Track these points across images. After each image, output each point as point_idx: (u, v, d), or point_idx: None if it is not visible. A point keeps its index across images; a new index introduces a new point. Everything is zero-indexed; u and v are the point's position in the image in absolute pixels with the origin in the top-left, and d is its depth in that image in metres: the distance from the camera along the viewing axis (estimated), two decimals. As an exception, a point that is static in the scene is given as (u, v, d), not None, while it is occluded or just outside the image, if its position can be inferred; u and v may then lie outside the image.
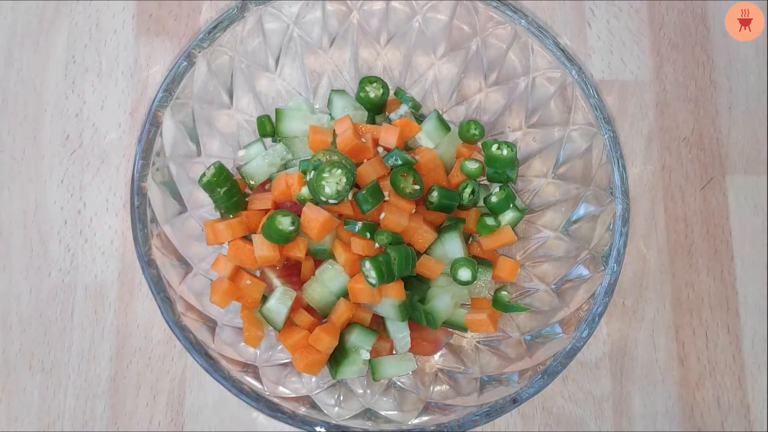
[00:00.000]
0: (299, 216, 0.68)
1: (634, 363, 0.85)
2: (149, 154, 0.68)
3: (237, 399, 0.65)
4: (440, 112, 0.80)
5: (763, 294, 0.88)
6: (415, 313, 0.72)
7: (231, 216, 0.73)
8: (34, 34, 0.90)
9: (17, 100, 0.89)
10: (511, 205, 0.75)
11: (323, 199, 0.67)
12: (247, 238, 0.72)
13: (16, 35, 0.90)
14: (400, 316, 0.70)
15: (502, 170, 0.75)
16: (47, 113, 0.88)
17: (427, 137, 0.75)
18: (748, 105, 0.93)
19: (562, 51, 0.72)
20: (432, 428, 0.65)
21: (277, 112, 0.77)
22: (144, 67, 0.90)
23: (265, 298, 0.72)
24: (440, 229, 0.74)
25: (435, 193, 0.72)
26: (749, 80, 0.94)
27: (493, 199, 0.75)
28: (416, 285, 0.73)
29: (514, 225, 0.77)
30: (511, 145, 0.73)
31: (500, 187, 0.75)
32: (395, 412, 0.71)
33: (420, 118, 0.80)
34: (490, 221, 0.74)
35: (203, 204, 0.76)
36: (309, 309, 0.72)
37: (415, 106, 0.79)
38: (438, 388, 0.75)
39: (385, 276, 0.67)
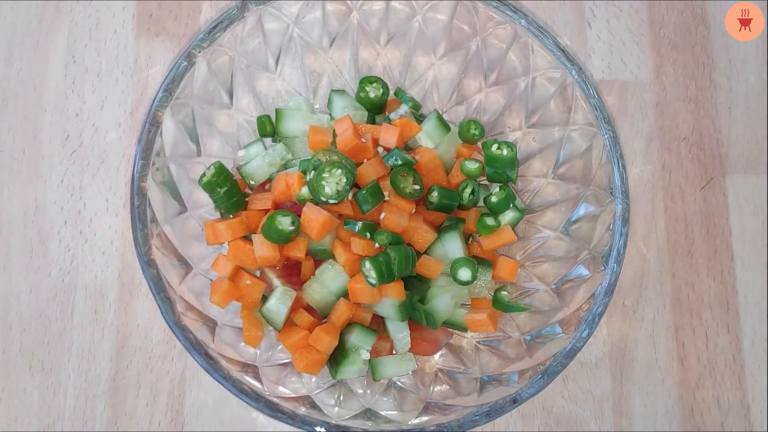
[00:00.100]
0: (299, 216, 0.68)
1: (634, 363, 0.85)
2: (149, 154, 0.68)
3: (237, 399, 0.65)
4: (440, 112, 0.80)
5: (763, 294, 0.88)
6: (415, 313, 0.72)
7: (231, 216, 0.73)
8: (34, 34, 0.90)
9: (17, 100, 0.89)
10: (511, 205, 0.75)
11: (323, 199, 0.67)
12: (247, 238, 0.72)
13: (16, 35, 0.90)
14: (400, 316, 0.70)
15: (502, 170, 0.75)
16: (47, 113, 0.88)
17: (427, 137, 0.75)
18: (748, 105, 0.93)
19: (562, 51, 0.72)
20: (432, 428, 0.65)
21: (277, 112, 0.77)
22: (144, 67, 0.90)
23: (265, 298, 0.72)
24: (440, 229, 0.74)
25: (435, 193, 0.72)
26: (749, 80, 0.94)
27: (493, 199, 0.75)
28: (416, 285, 0.73)
29: (514, 225, 0.77)
30: (511, 145, 0.73)
31: (500, 187, 0.75)
32: (395, 412, 0.71)
33: (420, 118, 0.80)
34: (490, 221, 0.74)
35: (203, 204, 0.76)
36: (309, 309, 0.72)
37: (415, 106, 0.79)
38: (438, 388, 0.75)
39: (385, 276, 0.67)
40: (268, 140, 0.80)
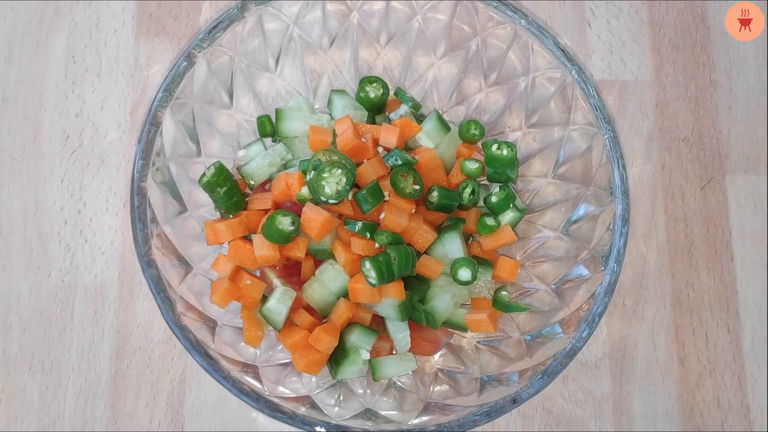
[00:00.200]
0: (299, 216, 0.68)
1: (634, 363, 0.85)
2: (149, 154, 0.68)
3: (237, 399, 0.65)
4: (440, 112, 0.80)
5: (763, 294, 0.88)
6: (415, 313, 0.72)
7: (231, 216, 0.73)
8: (34, 34, 0.90)
9: (17, 100, 0.89)
10: (511, 205, 0.75)
11: (323, 199, 0.67)
12: (247, 238, 0.72)
13: (16, 35, 0.90)
14: (400, 316, 0.70)
15: (502, 170, 0.75)
16: (47, 113, 0.88)
17: (427, 137, 0.75)
18: (748, 105, 0.93)
19: (562, 51, 0.72)
20: (432, 428, 0.65)
21: (277, 112, 0.77)
22: (144, 67, 0.90)
23: (265, 298, 0.72)
24: (440, 229, 0.74)
25: (435, 193, 0.72)
26: (749, 80, 0.94)
27: (493, 199, 0.75)
28: (416, 285, 0.73)
29: (514, 225, 0.77)
30: (511, 145, 0.73)
31: (500, 187, 0.75)
32: (395, 412, 0.71)
33: (420, 118, 0.80)
34: (490, 221, 0.74)
35: (203, 204, 0.76)
36: (309, 309, 0.72)
37: (415, 106, 0.79)
38: (438, 388, 0.75)
39: (385, 276, 0.67)
40: (268, 140, 0.80)
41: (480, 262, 0.75)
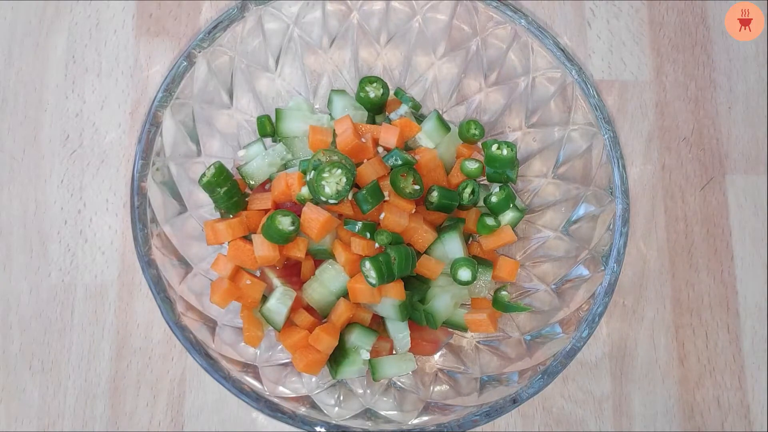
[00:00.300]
0: (299, 216, 0.68)
1: (634, 363, 0.85)
2: (149, 154, 0.68)
3: (237, 399, 0.65)
4: (440, 112, 0.80)
5: (763, 294, 0.88)
6: (415, 313, 0.72)
7: (231, 216, 0.73)
8: (34, 34, 0.90)
9: (17, 100, 0.89)
10: (511, 205, 0.75)
11: (323, 199, 0.67)
12: (247, 238, 0.72)
13: (16, 35, 0.90)
14: (400, 316, 0.70)
15: (502, 170, 0.75)
16: (47, 113, 0.88)
17: (427, 137, 0.75)
18: (748, 105, 0.93)
19: (562, 51, 0.72)
20: (432, 428, 0.65)
21: (277, 112, 0.77)
22: (144, 67, 0.90)
23: (265, 298, 0.72)
24: (440, 229, 0.74)
25: (435, 193, 0.72)
26: (749, 80, 0.94)
27: (493, 199, 0.75)
28: (416, 285, 0.73)
29: (514, 225, 0.77)
30: (511, 145, 0.73)
31: (500, 187, 0.75)
32: (395, 412, 0.71)
33: (420, 118, 0.80)
34: (490, 221, 0.74)
35: (203, 204, 0.76)
36: (309, 309, 0.72)
37: (415, 106, 0.79)
38: (438, 388, 0.75)
39: (385, 276, 0.67)
40: (268, 140, 0.80)
41: (480, 262, 0.75)
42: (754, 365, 0.86)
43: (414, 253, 0.70)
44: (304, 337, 0.69)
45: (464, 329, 0.75)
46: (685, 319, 0.87)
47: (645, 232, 0.89)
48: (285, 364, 0.74)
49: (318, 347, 0.68)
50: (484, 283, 0.75)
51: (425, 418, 0.69)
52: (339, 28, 0.79)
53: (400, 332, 0.72)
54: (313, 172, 0.68)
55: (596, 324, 0.67)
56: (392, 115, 0.78)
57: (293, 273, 0.73)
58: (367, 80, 0.77)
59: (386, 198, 0.69)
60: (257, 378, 0.68)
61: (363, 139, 0.72)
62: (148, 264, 0.66)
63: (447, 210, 0.73)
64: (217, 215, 0.75)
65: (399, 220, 0.69)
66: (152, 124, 0.68)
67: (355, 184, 0.69)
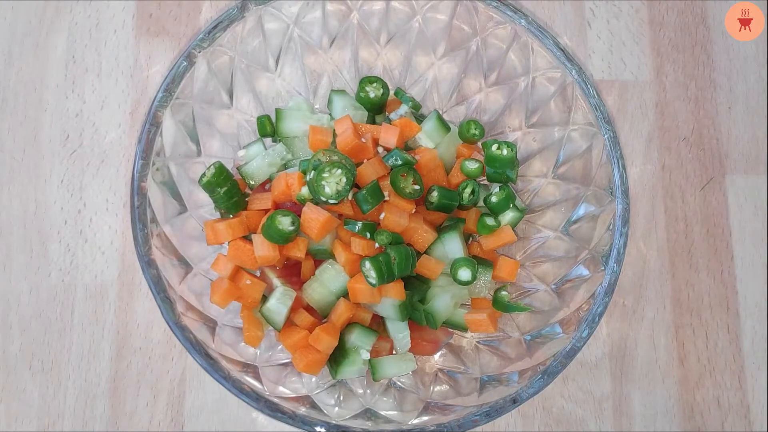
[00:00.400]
0: (299, 216, 0.68)
1: (634, 363, 0.85)
2: (149, 154, 0.68)
3: (237, 399, 0.65)
4: (440, 112, 0.80)
5: (763, 294, 0.88)
6: (415, 313, 0.72)
7: (231, 216, 0.73)
8: (34, 34, 0.90)
9: (17, 100, 0.89)
10: (511, 205, 0.75)
11: (323, 199, 0.67)
12: (247, 238, 0.72)
13: (16, 35, 0.90)
14: (400, 316, 0.70)
15: (502, 170, 0.75)
16: (47, 113, 0.88)
17: (427, 137, 0.75)
18: (748, 105, 0.93)
19: (562, 51, 0.72)
20: (432, 428, 0.65)
21: (277, 112, 0.77)
22: (144, 67, 0.90)
23: (265, 298, 0.72)
24: (440, 229, 0.74)
25: (435, 193, 0.72)
26: (749, 80, 0.94)
27: (493, 199, 0.75)
28: (416, 285, 0.73)
29: (514, 225, 0.77)
30: (511, 145, 0.73)
31: (500, 187, 0.75)
32: (395, 412, 0.71)
33: (420, 118, 0.80)
34: (490, 221, 0.74)
35: (203, 204, 0.76)
36: (309, 309, 0.72)
37: (415, 106, 0.79)
38: (438, 388, 0.75)
39: (385, 276, 0.67)
40: (268, 140, 0.80)
41: (480, 262, 0.75)
42: (754, 365, 0.86)
43: (414, 253, 0.70)
44: (304, 337, 0.69)
45: (464, 329, 0.75)
46: (685, 319, 0.87)
47: (645, 232, 0.89)
48: (285, 364, 0.74)
49: (318, 347, 0.68)
50: (484, 283, 0.75)
51: (425, 418, 0.69)
52: (339, 28, 0.79)
53: (400, 332, 0.72)
54: (313, 172, 0.68)
55: (596, 324, 0.67)
56: (392, 115, 0.78)
57: (293, 273, 0.73)
58: (367, 80, 0.77)
59: (386, 198, 0.69)
60: (257, 378, 0.68)
61: (363, 139, 0.72)
62: (148, 264, 0.66)
63: (447, 210, 0.73)
64: (217, 215, 0.75)
65: (399, 220, 0.69)
66: (152, 124, 0.68)
67: (355, 184, 0.69)
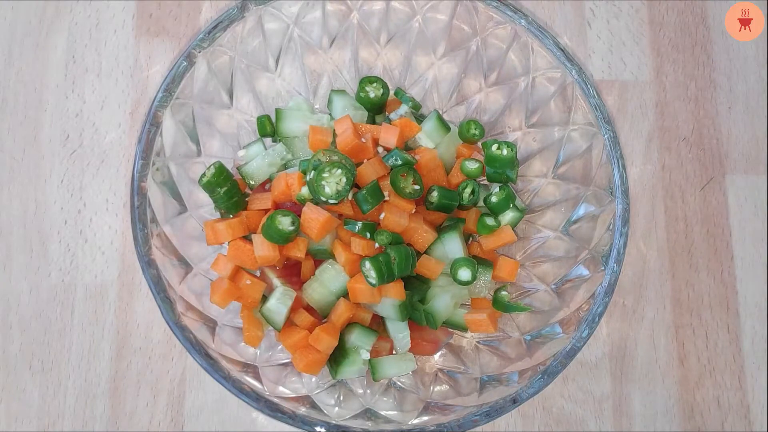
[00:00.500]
0: (299, 216, 0.68)
1: (634, 363, 0.85)
2: (149, 154, 0.68)
3: (237, 399, 0.65)
4: (440, 112, 0.80)
5: (763, 294, 0.88)
6: (415, 313, 0.72)
7: (231, 216, 0.73)
8: (34, 34, 0.90)
9: (17, 100, 0.89)
10: (511, 205, 0.75)
11: (323, 199, 0.67)
12: (247, 238, 0.72)
13: (16, 35, 0.90)
14: (400, 316, 0.70)
15: (502, 170, 0.75)
16: (47, 113, 0.88)
17: (427, 137, 0.75)
18: (748, 105, 0.93)
19: (562, 51, 0.72)
20: (432, 428, 0.65)
21: (277, 112, 0.77)
22: (144, 67, 0.90)
23: (265, 298, 0.72)
24: (440, 229, 0.74)
25: (435, 193, 0.72)
26: (749, 80, 0.94)
27: (493, 199, 0.75)
28: (416, 285, 0.73)
29: (514, 225, 0.77)
30: (511, 145, 0.73)
31: (500, 187, 0.75)
32: (395, 412, 0.71)
33: (420, 118, 0.80)
34: (490, 221, 0.74)
35: (203, 204, 0.76)
36: (309, 309, 0.72)
37: (415, 106, 0.79)
38: (438, 388, 0.75)
39: (385, 276, 0.67)
40: (268, 140, 0.80)
41: (480, 262, 0.75)
42: (754, 365, 0.86)
43: (414, 253, 0.70)
44: (304, 337, 0.69)
45: (464, 329, 0.75)
46: (685, 319, 0.87)
47: (645, 232, 0.89)
48: (285, 364, 0.74)
49: (318, 347, 0.68)
50: (484, 283, 0.75)
51: (425, 418, 0.69)
52: (339, 28, 0.79)
53: (400, 332, 0.72)
54: (313, 172, 0.68)
55: (596, 324, 0.67)
56: (392, 115, 0.78)
57: (293, 273, 0.73)
58: (367, 80, 0.77)
59: (386, 198, 0.69)
60: (257, 378, 0.68)
61: (363, 139, 0.72)
62: (148, 264, 0.66)
63: (447, 210, 0.73)
64: (217, 215, 0.75)
65: (399, 220, 0.69)
66: (152, 124, 0.68)
67: (355, 184, 0.69)
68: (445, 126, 0.76)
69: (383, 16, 0.79)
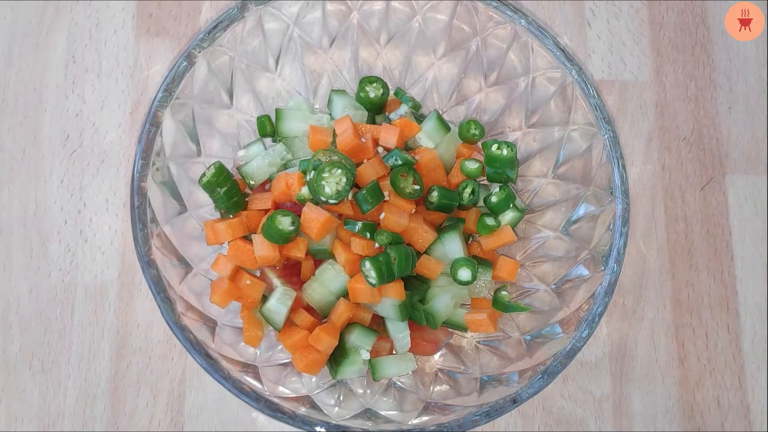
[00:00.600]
0: (299, 216, 0.68)
1: (634, 363, 0.85)
2: (149, 154, 0.68)
3: (237, 399, 0.65)
4: (440, 112, 0.80)
5: (763, 294, 0.88)
6: (415, 313, 0.72)
7: (231, 216, 0.73)
8: (34, 34, 0.90)
9: (17, 100, 0.89)
10: (511, 205, 0.75)
11: (323, 199, 0.67)
12: (247, 238, 0.72)
13: (16, 35, 0.90)
14: (400, 316, 0.70)
15: (502, 170, 0.75)
16: (47, 113, 0.88)
17: (427, 137, 0.75)
18: (748, 105, 0.93)
19: (562, 51, 0.72)
20: (432, 428, 0.65)
21: (277, 112, 0.77)
22: (144, 67, 0.90)
23: (265, 298, 0.72)
24: (440, 229, 0.74)
25: (435, 193, 0.72)
26: (749, 80, 0.94)
27: (493, 199, 0.75)
28: (416, 285, 0.73)
29: (514, 225, 0.77)
30: (511, 145, 0.73)
31: (500, 187, 0.75)
32: (395, 412, 0.71)
33: (420, 118, 0.80)
34: (490, 221, 0.74)
35: (203, 204, 0.76)
36: (309, 309, 0.72)
37: (415, 106, 0.79)
38: (438, 388, 0.75)
39: (385, 276, 0.67)
40: (268, 140, 0.80)
41: (480, 262, 0.75)
42: (754, 365, 0.86)
43: (414, 253, 0.70)
44: (304, 337, 0.69)
45: (464, 329, 0.75)
46: (685, 319, 0.87)
47: (645, 232, 0.89)
48: (285, 364, 0.74)
49: (318, 347, 0.68)
50: (484, 283, 0.75)
51: (425, 418, 0.69)
52: (339, 28, 0.79)
53: (400, 332, 0.72)
54: (313, 172, 0.68)
55: (596, 324, 0.67)
56: (392, 115, 0.78)
57: (293, 273, 0.73)
58: (367, 80, 0.77)
59: (386, 198, 0.69)
60: (257, 378, 0.68)
61: (363, 139, 0.72)
62: (148, 264, 0.66)
63: (447, 210, 0.73)
64: (217, 215, 0.75)
65: (399, 220, 0.69)
66: (152, 124, 0.68)
67: (355, 184, 0.69)
68: (445, 126, 0.76)
69: (383, 16, 0.79)
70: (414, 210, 0.71)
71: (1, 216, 0.86)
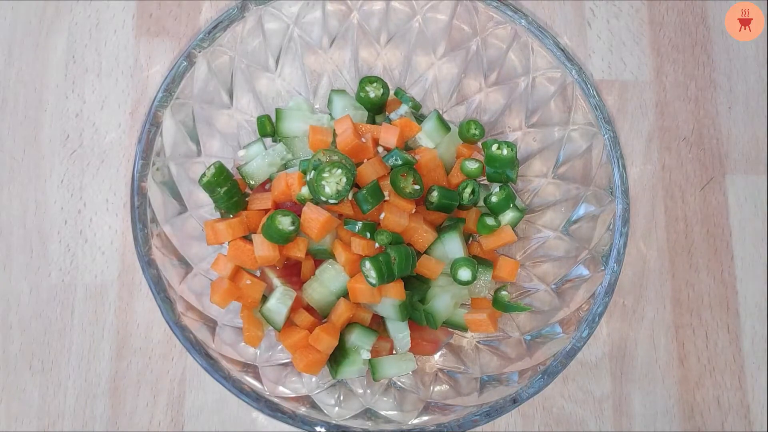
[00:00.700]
0: (299, 216, 0.68)
1: (634, 363, 0.85)
2: (149, 154, 0.68)
3: (237, 399, 0.65)
4: (440, 112, 0.80)
5: (763, 294, 0.88)
6: (415, 313, 0.72)
7: (231, 216, 0.73)
8: (34, 34, 0.90)
9: (17, 100, 0.89)
10: (511, 205, 0.75)
11: (323, 199, 0.67)
12: (247, 238, 0.72)
13: (16, 35, 0.90)
14: (400, 316, 0.70)
15: (502, 170, 0.75)
16: (47, 113, 0.88)
17: (427, 137, 0.75)
18: (748, 105, 0.93)
19: (562, 51, 0.72)
20: (432, 428, 0.65)
21: (277, 112, 0.77)
22: (144, 67, 0.90)
23: (265, 298, 0.72)
24: (440, 229, 0.74)
25: (435, 193, 0.72)
26: (749, 80, 0.94)
27: (493, 199, 0.75)
28: (416, 285, 0.73)
29: (514, 225, 0.77)
30: (511, 145, 0.73)
31: (500, 187, 0.75)
32: (395, 412, 0.71)
33: (420, 118, 0.80)
34: (490, 221, 0.74)
35: (203, 204, 0.76)
36: (309, 309, 0.72)
37: (415, 106, 0.79)
38: (438, 388, 0.75)
39: (385, 276, 0.67)
40: (268, 140, 0.80)
41: (480, 262, 0.75)
42: (754, 365, 0.86)
43: (414, 253, 0.70)
44: (304, 337, 0.69)
45: (464, 329, 0.75)
46: (685, 319, 0.87)
47: (645, 232, 0.89)
48: (285, 364, 0.74)
49: (318, 347, 0.68)
50: (484, 283, 0.75)
51: (425, 418, 0.69)
52: (339, 28, 0.79)
53: (400, 332, 0.72)
54: (313, 172, 0.68)
55: (596, 324, 0.67)
56: (392, 115, 0.78)
57: (293, 273, 0.73)
58: (367, 80, 0.77)
59: (386, 198, 0.69)
60: (257, 378, 0.68)
61: (363, 139, 0.72)
62: (148, 264, 0.66)
63: (447, 210, 0.73)
64: (217, 215, 0.75)
65: (399, 220, 0.69)
66: (152, 124, 0.68)
67: (355, 184, 0.69)
68: (445, 126, 0.76)
69: (383, 16, 0.79)
70: (414, 210, 0.71)
71: (1, 216, 0.86)
